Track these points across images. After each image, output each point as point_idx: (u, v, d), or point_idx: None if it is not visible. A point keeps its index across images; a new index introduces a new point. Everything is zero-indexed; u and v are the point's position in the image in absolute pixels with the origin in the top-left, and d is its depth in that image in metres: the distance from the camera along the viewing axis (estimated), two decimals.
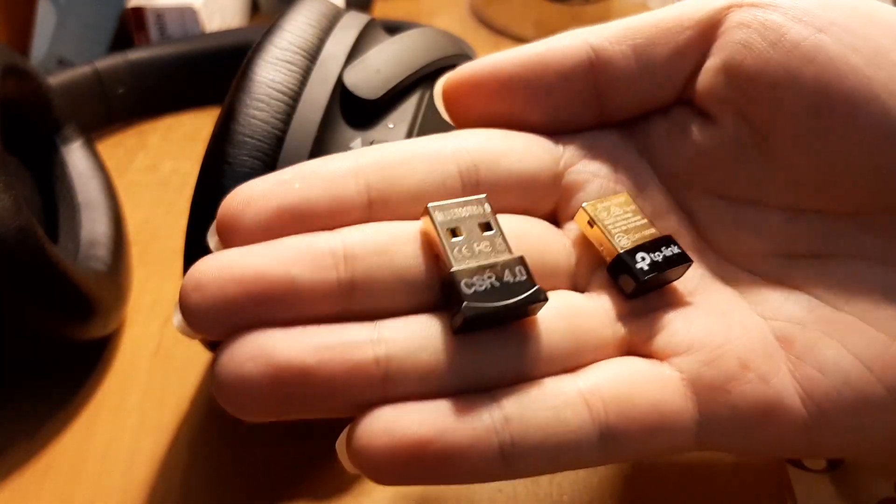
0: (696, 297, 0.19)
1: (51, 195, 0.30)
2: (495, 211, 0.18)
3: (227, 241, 0.16)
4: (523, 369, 0.17)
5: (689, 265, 0.19)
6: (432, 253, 0.17)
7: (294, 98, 0.22)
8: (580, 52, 0.20)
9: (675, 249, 0.19)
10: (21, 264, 0.23)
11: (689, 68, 0.20)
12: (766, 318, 0.19)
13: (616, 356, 0.18)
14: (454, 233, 0.17)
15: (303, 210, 0.17)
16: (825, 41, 0.18)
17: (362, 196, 0.17)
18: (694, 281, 0.19)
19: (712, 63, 0.19)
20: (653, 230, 0.19)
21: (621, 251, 0.18)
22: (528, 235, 0.18)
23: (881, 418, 0.17)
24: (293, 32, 0.23)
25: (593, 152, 0.20)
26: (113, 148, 0.43)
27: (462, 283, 0.16)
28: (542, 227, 0.19)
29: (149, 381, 0.28)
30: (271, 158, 0.22)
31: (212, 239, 0.17)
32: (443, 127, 0.25)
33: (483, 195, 0.18)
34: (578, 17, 0.55)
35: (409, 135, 0.23)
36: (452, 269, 0.16)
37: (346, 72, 0.23)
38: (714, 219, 0.20)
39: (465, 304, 0.16)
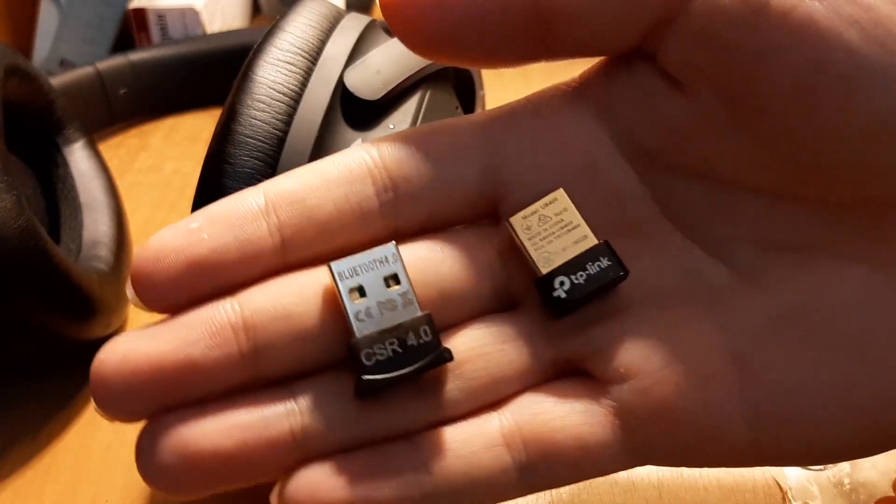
0: (646, 307, 0.17)
1: (53, 195, 0.30)
2: (418, 230, 0.17)
3: (141, 297, 0.16)
4: (442, 415, 0.17)
5: (624, 276, 0.17)
6: (338, 310, 0.16)
7: (295, 99, 0.22)
8: None
9: (605, 262, 0.17)
10: (23, 264, 0.23)
11: (651, 17, 0.17)
12: (723, 329, 0.17)
13: (547, 379, 0.17)
14: (360, 292, 0.16)
15: (212, 263, 0.16)
16: (817, 11, 0.15)
17: (274, 238, 0.16)
18: (652, 281, 0.18)
19: (684, 24, 0.16)
20: (587, 237, 0.17)
21: (539, 275, 0.17)
22: (444, 266, 0.17)
23: (833, 436, 0.17)
24: (294, 34, 0.23)
25: (536, 131, 0.18)
26: (115, 148, 0.43)
27: (362, 354, 0.16)
28: (464, 247, 0.17)
29: None
30: (272, 159, 0.22)
31: (129, 291, 0.17)
32: None
33: (390, 244, 0.16)
34: None
35: None
36: (352, 340, 0.16)
37: (347, 73, 0.23)
38: (686, 199, 0.18)
39: (362, 378, 0.16)
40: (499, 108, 0.18)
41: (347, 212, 0.17)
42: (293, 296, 0.16)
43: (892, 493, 0.22)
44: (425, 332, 0.16)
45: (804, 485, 0.23)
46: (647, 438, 0.17)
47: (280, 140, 0.22)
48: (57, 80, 0.39)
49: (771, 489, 0.23)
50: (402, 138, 0.18)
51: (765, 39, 0.16)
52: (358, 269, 0.16)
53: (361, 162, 0.17)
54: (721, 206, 0.18)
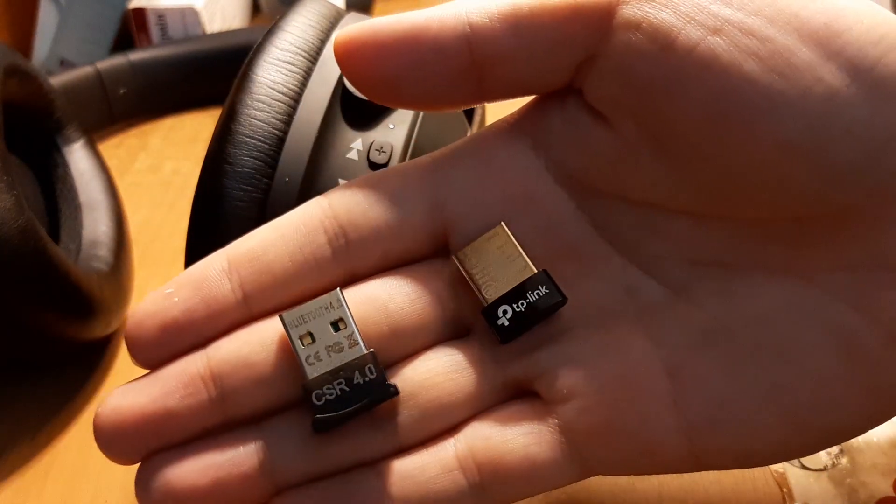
0: (586, 328, 0.19)
1: (52, 195, 0.30)
2: (372, 270, 0.19)
3: (133, 357, 0.18)
4: (400, 443, 0.18)
5: (563, 303, 0.18)
6: (292, 355, 0.18)
7: (295, 99, 0.22)
8: (457, 27, 0.18)
9: (543, 290, 0.18)
10: (23, 264, 0.23)
11: (577, 56, 0.18)
12: (658, 344, 0.18)
13: (499, 401, 0.19)
14: (311, 336, 0.18)
15: (183, 323, 0.18)
16: (718, 46, 0.16)
17: (238, 294, 0.18)
18: (591, 303, 0.19)
19: (604, 64, 0.18)
20: (526, 268, 0.18)
21: (485, 305, 0.18)
22: (393, 302, 0.19)
23: (770, 441, 0.18)
24: (294, 33, 0.23)
25: (477, 170, 0.19)
26: (114, 148, 0.43)
27: (313, 395, 0.17)
28: (413, 283, 0.19)
29: None
30: (272, 159, 0.22)
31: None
32: (443, 128, 0.25)
33: (335, 291, 0.18)
34: None
35: (410, 135, 0.23)
36: (304, 382, 0.17)
37: None
38: (619, 222, 0.19)
39: (315, 417, 0.17)
40: (444, 149, 0.20)
41: (302, 262, 0.18)
42: (254, 345, 0.18)
43: (893, 493, 0.22)
44: (370, 370, 0.18)
45: (804, 485, 0.23)
46: (591, 453, 0.18)
47: (280, 140, 0.22)
48: (57, 80, 0.39)
49: (771, 489, 0.23)
50: (352, 186, 0.19)
51: (674, 73, 0.17)
52: (306, 316, 0.18)
53: (314, 214, 0.19)
54: (651, 226, 0.19)
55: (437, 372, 0.18)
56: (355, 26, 0.19)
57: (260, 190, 0.21)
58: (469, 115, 0.27)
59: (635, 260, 0.19)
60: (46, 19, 0.48)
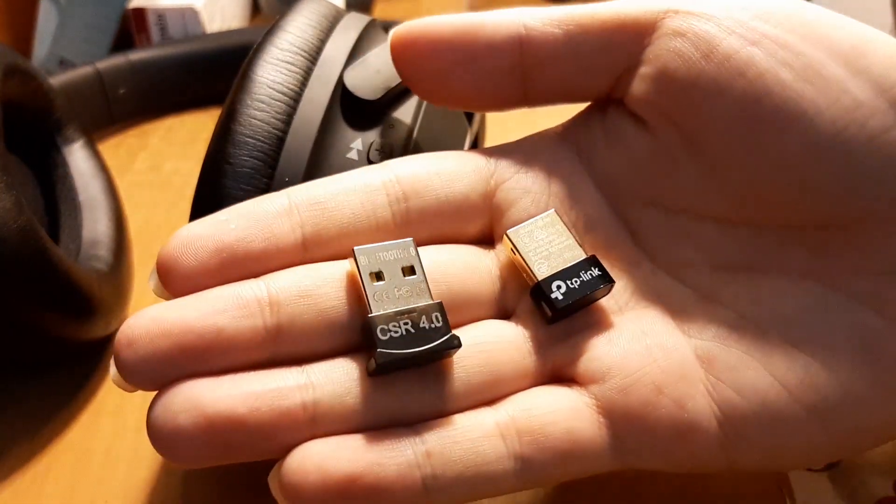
0: (622, 317, 0.19)
1: (52, 195, 0.30)
2: (425, 241, 0.19)
3: (166, 283, 0.17)
4: (443, 406, 0.18)
5: (612, 286, 0.19)
6: (357, 294, 0.18)
7: (294, 98, 0.22)
8: (511, 27, 0.20)
9: (595, 272, 0.19)
10: (22, 264, 0.23)
11: (620, 65, 0.20)
12: (690, 336, 0.19)
13: (537, 384, 0.19)
14: (378, 276, 0.17)
15: (238, 251, 0.17)
16: (756, 55, 0.18)
17: (296, 234, 0.18)
18: (624, 297, 0.20)
19: (646, 69, 0.19)
20: (577, 251, 0.19)
21: (538, 280, 0.19)
22: (452, 267, 0.19)
23: (797, 436, 0.18)
24: (294, 33, 0.23)
25: (527, 165, 0.20)
26: (114, 148, 0.43)
27: (378, 330, 0.17)
28: (467, 256, 0.20)
29: None
30: (272, 159, 0.22)
31: (152, 281, 0.18)
32: (444, 128, 0.25)
33: (409, 239, 0.18)
34: None
35: (410, 135, 0.23)
36: (370, 315, 0.17)
37: (347, 72, 0.23)
38: (650, 227, 0.20)
39: (378, 350, 0.17)
40: (495, 146, 0.21)
41: (363, 216, 0.19)
42: (315, 279, 0.17)
43: (893, 493, 0.22)
44: (437, 318, 0.17)
45: (804, 485, 0.23)
46: (628, 434, 0.18)
47: (279, 140, 0.22)
48: (56, 80, 0.39)
49: (772, 489, 0.23)
50: (413, 159, 0.20)
51: (713, 76, 0.18)
52: (378, 255, 0.18)
53: (377, 175, 0.19)
54: (681, 233, 0.20)
55: (488, 341, 0.19)
56: (412, 22, 0.20)
57: (259, 190, 0.21)
58: (469, 116, 0.27)
59: (664, 266, 0.20)
60: (46, 19, 0.48)
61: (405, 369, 0.17)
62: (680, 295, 0.19)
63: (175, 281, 0.17)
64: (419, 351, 0.17)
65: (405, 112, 0.24)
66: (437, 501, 0.17)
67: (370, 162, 0.23)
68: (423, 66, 0.20)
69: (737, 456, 0.18)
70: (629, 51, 0.19)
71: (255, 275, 0.17)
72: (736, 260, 0.19)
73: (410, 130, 0.23)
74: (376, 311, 0.17)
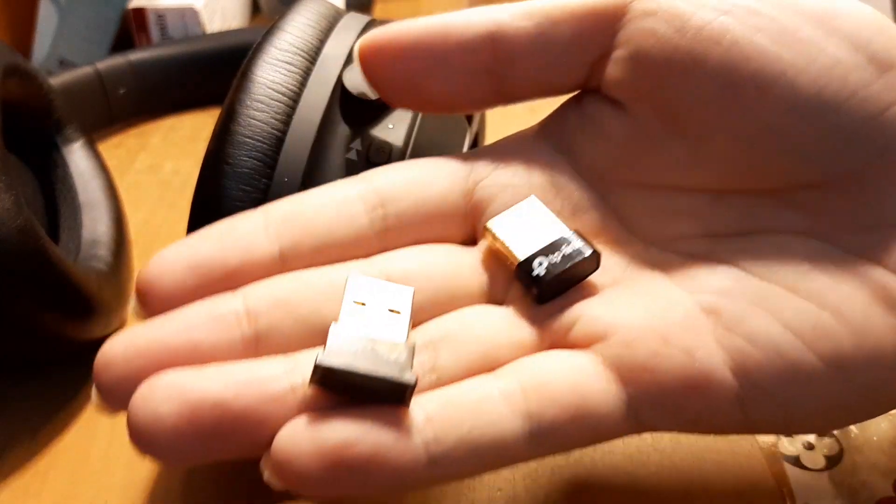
0: (620, 285, 0.19)
1: (52, 195, 0.30)
2: (405, 244, 0.19)
3: (144, 305, 0.17)
4: (436, 378, 0.17)
5: (598, 257, 0.19)
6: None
7: (294, 99, 0.22)
8: (482, 24, 0.19)
9: (577, 243, 0.18)
10: (22, 264, 0.23)
11: (593, 53, 0.19)
12: (692, 292, 0.18)
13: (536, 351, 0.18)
14: (362, 304, 0.17)
15: (215, 268, 0.17)
16: (729, 23, 0.17)
17: (273, 248, 0.18)
18: (617, 271, 0.19)
19: (620, 53, 0.19)
20: (558, 229, 0.19)
21: (518, 262, 0.18)
22: (434, 267, 0.19)
23: (814, 389, 0.17)
24: (293, 33, 0.23)
25: (505, 161, 0.20)
26: (114, 148, 0.43)
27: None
28: (449, 253, 0.19)
29: None
30: (271, 159, 0.22)
31: (130, 305, 0.17)
32: (443, 128, 0.25)
33: (410, 288, 0.18)
34: None
35: (409, 135, 0.23)
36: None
37: (346, 73, 0.23)
38: (638, 208, 0.20)
39: (318, 358, 0.15)
40: (471, 150, 0.21)
41: (340, 225, 0.19)
42: (292, 286, 0.17)
43: (893, 493, 0.22)
44: (401, 355, 0.16)
45: (804, 485, 0.23)
46: (639, 388, 0.17)
47: (279, 140, 0.22)
48: (56, 80, 0.39)
49: (771, 489, 0.23)
50: (390, 167, 0.20)
51: (688, 49, 0.18)
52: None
53: (352, 186, 0.19)
54: (669, 210, 0.19)
55: (476, 318, 0.18)
56: (378, 30, 0.20)
57: (259, 190, 0.21)
58: (469, 116, 0.27)
59: (657, 243, 0.19)
60: (46, 19, 0.48)
61: (345, 393, 0.16)
62: (677, 261, 0.19)
63: (152, 302, 0.17)
64: (364, 374, 0.15)
65: (404, 112, 0.24)
66: (441, 468, 0.16)
67: (369, 162, 0.23)
68: (392, 73, 0.20)
69: (753, 411, 0.17)
70: (601, 38, 0.19)
71: (235, 287, 0.17)
72: (731, 227, 0.19)
73: (410, 130, 0.23)
74: (343, 322, 0.16)
